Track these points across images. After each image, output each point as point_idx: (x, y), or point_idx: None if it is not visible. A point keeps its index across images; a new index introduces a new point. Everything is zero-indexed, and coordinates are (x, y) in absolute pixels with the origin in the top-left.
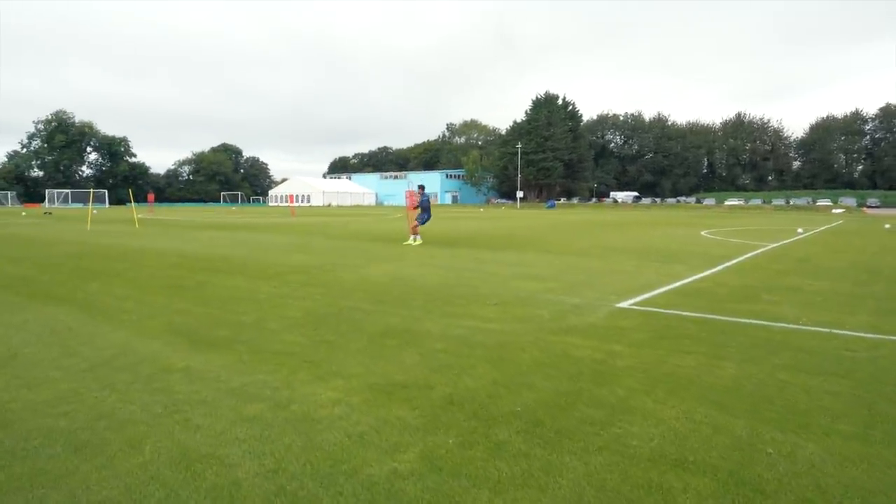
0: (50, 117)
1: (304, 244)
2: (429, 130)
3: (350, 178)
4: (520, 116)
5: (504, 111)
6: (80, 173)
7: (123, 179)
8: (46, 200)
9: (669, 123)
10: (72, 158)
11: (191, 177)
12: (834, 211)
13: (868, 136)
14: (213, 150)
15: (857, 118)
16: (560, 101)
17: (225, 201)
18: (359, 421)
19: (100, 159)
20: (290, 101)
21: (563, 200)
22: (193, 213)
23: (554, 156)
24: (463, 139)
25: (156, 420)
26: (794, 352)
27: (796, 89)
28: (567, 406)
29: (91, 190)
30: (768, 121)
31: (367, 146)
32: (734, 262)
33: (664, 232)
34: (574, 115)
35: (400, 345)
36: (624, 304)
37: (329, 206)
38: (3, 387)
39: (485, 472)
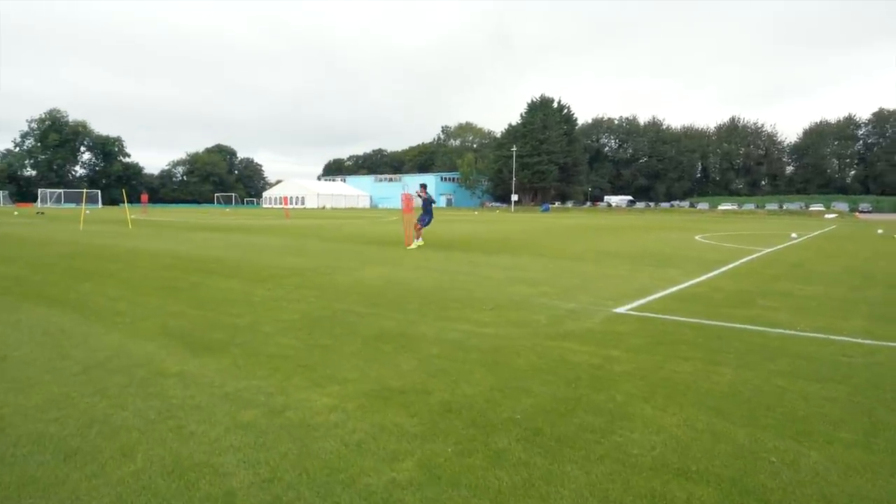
0: (44, 116)
1: (298, 246)
2: (425, 133)
3: (345, 181)
4: (516, 119)
5: (503, 113)
6: (74, 173)
7: (117, 179)
8: (39, 200)
9: (664, 127)
10: (65, 158)
11: (185, 177)
12: (827, 216)
13: (861, 142)
14: (208, 150)
15: (850, 123)
16: (555, 105)
17: (219, 202)
18: (355, 428)
19: (93, 159)
20: (288, 101)
21: (557, 204)
22: (187, 214)
23: (549, 159)
24: (458, 142)
25: (149, 426)
26: (790, 357)
27: (790, 94)
28: (566, 413)
29: (84, 190)
30: (762, 125)
31: (362, 148)
32: (729, 266)
33: (658, 236)
34: (569, 119)
35: (395, 349)
36: (620, 309)
37: (323, 208)
38: None
39: (485, 481)
